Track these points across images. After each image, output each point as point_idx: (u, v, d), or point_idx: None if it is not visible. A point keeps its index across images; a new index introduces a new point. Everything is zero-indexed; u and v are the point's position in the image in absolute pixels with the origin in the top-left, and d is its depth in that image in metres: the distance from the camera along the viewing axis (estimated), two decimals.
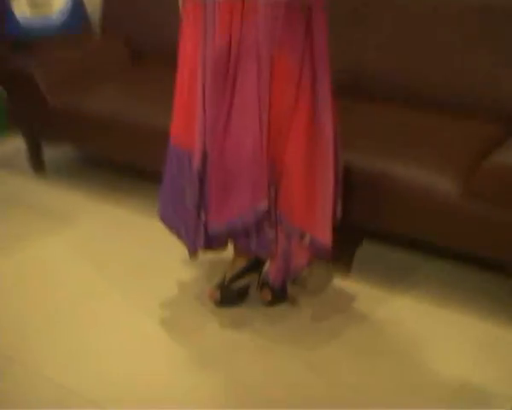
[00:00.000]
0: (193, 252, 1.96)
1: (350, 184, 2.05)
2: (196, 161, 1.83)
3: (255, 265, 2.10)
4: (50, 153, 3.20)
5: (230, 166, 1.80)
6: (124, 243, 2.49)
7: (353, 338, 1.95)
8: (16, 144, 3.25)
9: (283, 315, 2.07)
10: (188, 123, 1.85)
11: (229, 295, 2.09)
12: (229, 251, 2.10)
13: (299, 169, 1.83)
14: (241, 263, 2.09)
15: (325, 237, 1.87)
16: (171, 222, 2.01)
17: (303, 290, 2.17)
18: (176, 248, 2.15)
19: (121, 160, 2.80)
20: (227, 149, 1.79)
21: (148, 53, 3.14)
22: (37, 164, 3.14)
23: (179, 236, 2.00)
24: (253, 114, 1.76)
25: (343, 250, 2.23)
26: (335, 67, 1.88)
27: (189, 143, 1.85)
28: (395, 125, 2.30)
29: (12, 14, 2.99)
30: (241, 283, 2.10)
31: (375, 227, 2.22)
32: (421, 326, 2.01)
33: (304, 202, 1.86)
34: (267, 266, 2.04)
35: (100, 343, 1.98)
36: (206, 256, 2.13)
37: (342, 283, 2.23)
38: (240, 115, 1.78)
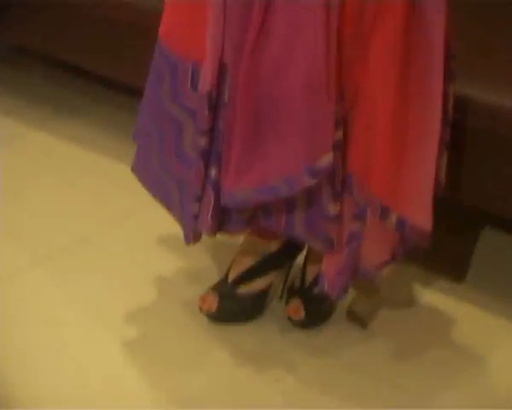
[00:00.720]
0: (193, 237, 1.36)
1: (468, 135, 1.50)
2: (207, 78, 1.28)
3: (283, 256, 1.51)
4: None
5: (269, 94, 1.26)
6: (62, 197, 1.86)
7: (462, 399, 1.34)
8: None
9: (333, 348, 1.43)
10: (192, 14, 1.32)
11: (234, 306, 1.50)
12: None
13: (388, 98, 1.26)
14: (259, 251, 1.49)
15: (423, 217, 1.32)
16: (155, 183, 1.43)
17: (373, 306, 1.54)
18: (156, 212, 1.48)
19: (70, 61, 2.19)
20: (264, 65, 1.25)
21: None
22: None
23: (169, 207, 1.42)
24: (311, 5, 1.19)
25: (451, 244, 1.73)
26: None
27: (195, 48, 1.31)
28: None
29: None
30: (256, 285, 1.50)
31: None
32: None
33: (391, 158, 1.29)
34: (304, 259, 1.49)
35: None
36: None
37: (444, 298, 1.61)
38: (288, 9, 1.22)
